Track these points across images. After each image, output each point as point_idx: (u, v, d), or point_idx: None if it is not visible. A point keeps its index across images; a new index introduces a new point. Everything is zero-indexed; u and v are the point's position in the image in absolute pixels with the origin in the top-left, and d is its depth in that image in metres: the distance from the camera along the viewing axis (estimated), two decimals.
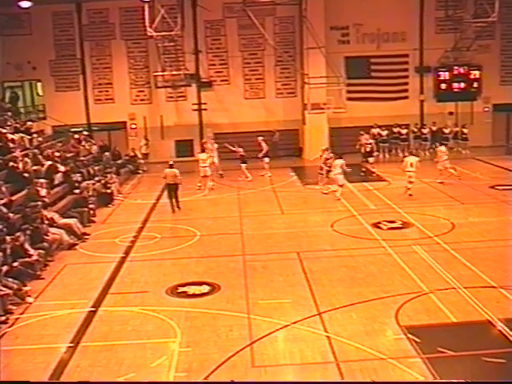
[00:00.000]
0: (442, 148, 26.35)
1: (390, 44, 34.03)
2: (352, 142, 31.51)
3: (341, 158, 23.40)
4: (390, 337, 11.07)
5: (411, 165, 22.93)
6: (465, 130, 33.06)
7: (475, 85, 33.89)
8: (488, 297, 12.55)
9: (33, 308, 13.23)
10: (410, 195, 22.56)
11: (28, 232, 16.24)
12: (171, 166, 22.78)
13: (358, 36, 34.08)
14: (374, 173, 27.77)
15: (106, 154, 30.01)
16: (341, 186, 22.97)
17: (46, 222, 17.66)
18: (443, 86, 33.94)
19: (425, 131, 33.15)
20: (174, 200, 22.26)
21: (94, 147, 29.89)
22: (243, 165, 27.53)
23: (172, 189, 22.40)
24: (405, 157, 24.99)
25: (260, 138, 29.02)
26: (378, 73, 34.22)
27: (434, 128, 33.21)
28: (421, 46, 34.16)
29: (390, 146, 32.85)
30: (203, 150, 25.73)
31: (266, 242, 17.70)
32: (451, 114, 34.73)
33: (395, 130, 32.84)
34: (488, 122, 34.84)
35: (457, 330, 11.27)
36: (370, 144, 28.85)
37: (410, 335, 10.94)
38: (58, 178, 22.15)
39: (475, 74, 33.78)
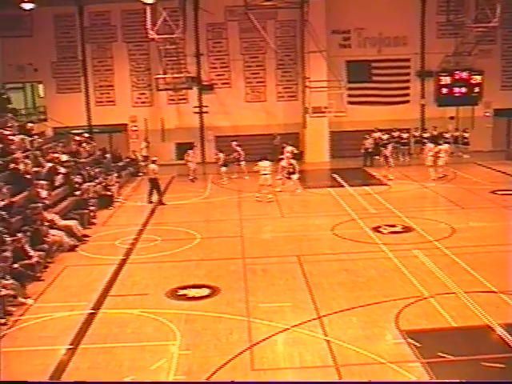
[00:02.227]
0: (430, 145, 27.60)
1: (392, 48, 34.07)
2: (353, 146, 31.57)
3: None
4: (389, 341, 11.06)
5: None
6: (466, 135, 33.12)
7: (476, 90, 33.96)
8: (488, 302, 12.54)
9: (32, 310, 13.22)
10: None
11: (28, 233, 16.25)
12: (154, 162, 24.78)
13: (360, 40, 34.13)
14: (374, 176, 27.80)
15: (107, 156, 30.03)
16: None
17: (47, 223, 17.65)
18: (444, 90, 33.99)
19: (426, 135, 33.14)
20: (153, 193, 24.20)
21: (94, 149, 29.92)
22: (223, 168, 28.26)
23: (153, 183, 24.20)
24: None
25: (234, 143, 29.24)
26: (379, 77, 34.25)
27: (434, 132, 33.22)
28: (422, 51, 34.20)
29: (390, 150, 32.79)
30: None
31: (266, 246, 17.69)
32: (452, 118, 34.76)
33: (396, 134, 32.85)
34: (489, 127, 34.86)
35: (456, 335, 11.26)
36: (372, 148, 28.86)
37: (409, 339, 10.92)
38: (59, 179, 22.15)
39: (476, 78, 33.84)
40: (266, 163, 23.65)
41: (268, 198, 23.44)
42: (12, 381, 10.17)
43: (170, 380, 9.99)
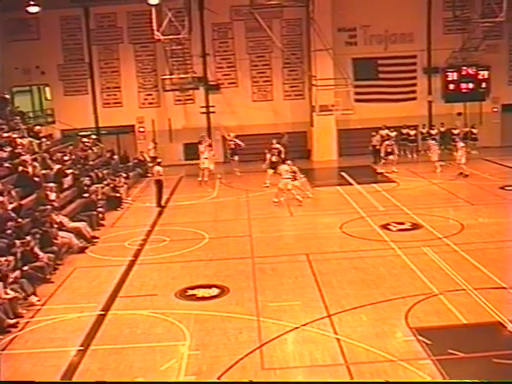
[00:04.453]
0: (461, 144, 27.42)
1: (398, 45, 33.96)
2: (361, 144, 31.50)
3: (284, 163, 23.65)
4: (399, 338, 11.04)
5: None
6: (474, 131, 33.00)
7: (483, 85, 33.78)
8: (498, 298, 12.50)
9: (43, 312, 13.28)
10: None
11: (37, 236, 16.31)
12: (159, 164, 24.39)
13: (366, 37, 34.05)
14: (382, 173, 27.76)
15: (115, 157, 30.10)
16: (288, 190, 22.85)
17: (56, 225, 17.70)
18: (451, 86, 33.83)
19: (433, 132, 33.03)
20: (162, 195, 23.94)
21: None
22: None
23: (157, 185, 23.79)
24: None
25: (232, 135, 29.98)
26: (385, 74, 34.17)
27: (442, 129, 33.12)
28: (428, 47, 34.09)
29: (398, 147, 32.74)
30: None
31: (274, 245, 17.68)
32: (460, 114, 34.62)
33: (404, 131, 32.75)
34: (497, 123, 34.71)
35: (467, 332, 11.22)
36: (391, 145, 28.76)
37: (420, 337, 10.89)
38: (67, 181, 22.21)
39: (483, 74, 33.64)
40: (285, 167, 23.13)
41: (298, 201, 22.67)
42: (16, 381, 10.23)
43: (181, 380, 10.00)
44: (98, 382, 10.03)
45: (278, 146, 28.05)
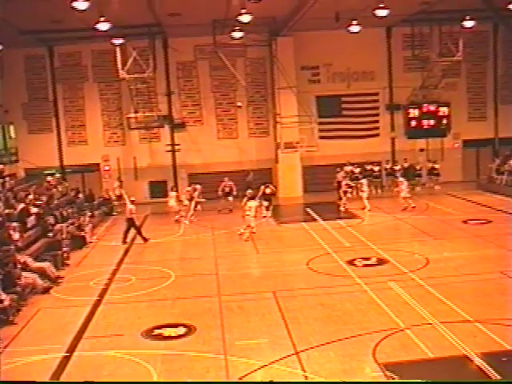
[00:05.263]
0: (401, 179, 28.41)
1: (360, 83, 34.62)
2: (326, 180, 31.80)
3: (253, 199, 24.01)
4: (368, 375, 11.01)
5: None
6: (436, 166, 33.56)
7: (444, 121, 34.62)
8: (464, 331, 12.59)
9: (5, 354, 12.94)
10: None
11: (0, 276, 16.01)
12: (132, 202, 24.28)
13: (329, 75, 34.65)
14: (347, 210, 27.98)
15: (80, 196, 29.87)
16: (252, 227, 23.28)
17: (19, 266, 17.38)
18: (413, 123, 34.59)
19: (397, 168, 33.52)
20: (129, 233, 23.92)
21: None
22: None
23: (129, 223, 23.91)
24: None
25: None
26: (349, 111, 34.73)
27: (405, 165, 33.64)
28: (390, 85, 34.83)
29: (376, 181, 33.14)
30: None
31: (241, 282, 17.63)
32: (422, 150, 35.27)
33: (368, 167, 33.17)
34: (458, 158, 35.42)
35: (434, 366, 11.26)
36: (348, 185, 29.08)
37: (388, 372, 10.88)
38: (31, 221, 21.93)
39: (444, 110, 34.51)
40: (254, 203, 23.63)
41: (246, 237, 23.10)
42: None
43: None
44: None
45: (230, 183, 28.94)
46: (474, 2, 28.73)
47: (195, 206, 28.16)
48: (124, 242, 23.71)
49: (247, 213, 23.04)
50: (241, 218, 23.82)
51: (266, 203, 26.79)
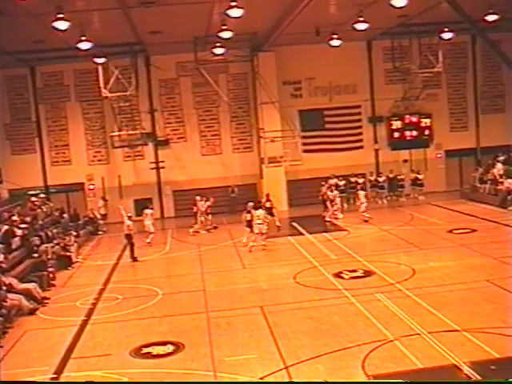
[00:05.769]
0: (361, 192, 28.89)
1: (342, 96, 34.82)
2: (310, 194, 31.86)
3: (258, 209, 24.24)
4: None
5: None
6: (420, 176, 33.76)
7: (427, 132, 35.01)
8: (452, 341, 12.63)
9: None
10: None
11: None
12: (129, 218, 24.45)
13: (311, 89, 34.84)
14: (332, 222, 28.04)
15: (65, 215, 29.73)
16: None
17: (4, 287, 17.27)
18: (396, 134, 34.89)
19: (381, 179, 33.67)
20: (134, 248, 23.90)
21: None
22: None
23: (128, 239, 24.05)
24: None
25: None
26: (332, 124, 34.90)
27: (391, 175, 33.84)
28: (372, 97, 35.07)
29: (347, 195, 33.23)
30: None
31: (228, 298, 17.58)
32: (406, 161, 35.48)
33: (352, 179, 33.27)
34: (441, 168, 35.68)
35: (424, 376, 11.27)
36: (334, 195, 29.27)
37: None
38: (16, 242, 21.80)
39: (426, 122, 34.90)
40: (259, 211, 24.07)
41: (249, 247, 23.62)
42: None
43: None
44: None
45: (202, 202, 28.71)
46: (451, 14, 28.96)
47: (206, 216, 28.66)
48: (133, 258, 23.65)
49: (257, 221, 23.46)
50: (243, 228, 24.48)
51: (269, 216, 26.55)
